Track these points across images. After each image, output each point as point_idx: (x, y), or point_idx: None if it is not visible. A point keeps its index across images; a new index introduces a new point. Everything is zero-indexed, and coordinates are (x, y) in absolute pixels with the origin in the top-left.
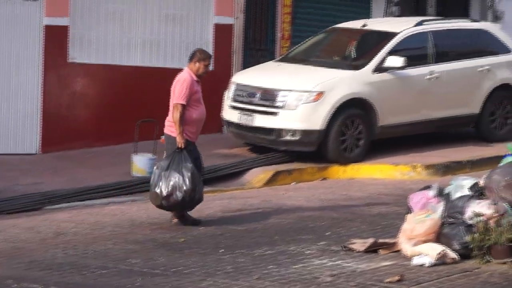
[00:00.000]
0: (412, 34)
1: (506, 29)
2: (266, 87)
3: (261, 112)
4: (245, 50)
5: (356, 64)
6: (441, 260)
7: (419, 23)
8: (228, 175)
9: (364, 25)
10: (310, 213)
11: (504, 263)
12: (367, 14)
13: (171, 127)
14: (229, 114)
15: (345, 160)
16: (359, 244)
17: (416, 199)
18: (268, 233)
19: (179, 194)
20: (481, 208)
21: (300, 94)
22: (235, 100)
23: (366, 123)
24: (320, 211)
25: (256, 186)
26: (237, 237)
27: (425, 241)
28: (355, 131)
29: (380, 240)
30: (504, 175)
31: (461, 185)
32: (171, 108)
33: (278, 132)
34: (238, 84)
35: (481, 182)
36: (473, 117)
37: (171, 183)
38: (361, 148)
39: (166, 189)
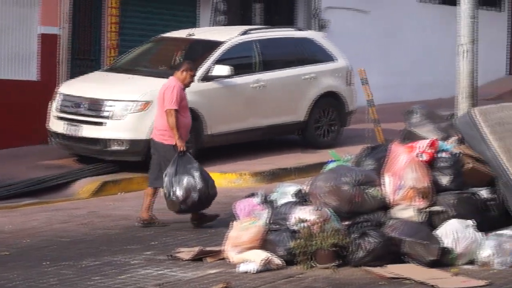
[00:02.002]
0: (238, 43)
1: (331, 37)
2: (93, 97)
3: (88, 122)
4: (72, 60)
5: None
6: (266, 267)
7: (245, 32)
8: (54, 186)
9: (190, 34)
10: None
11: (328, 267)
12: (194, 23)
13: (162, 135)
14: (55, 125)
15: None
16: (185, 253)
17: (241, 207)
18: (94, 244)
19: (194, 195)
20: (305, 214)
21: (127, 103)
22: (61, 111)
23: (193, 132)
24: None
25: (82, 197)
26: (63, 249)
27: (250, 248)
28: None
29: (207, 248)
30: (326, 181)
31: (286, 191)
32: (159, 115)
33: (105, 142)
34: (64, 95)
35: (305, 189)
36: (299, 124)
37: (184, 186)
38: None
39: (181, 193)
